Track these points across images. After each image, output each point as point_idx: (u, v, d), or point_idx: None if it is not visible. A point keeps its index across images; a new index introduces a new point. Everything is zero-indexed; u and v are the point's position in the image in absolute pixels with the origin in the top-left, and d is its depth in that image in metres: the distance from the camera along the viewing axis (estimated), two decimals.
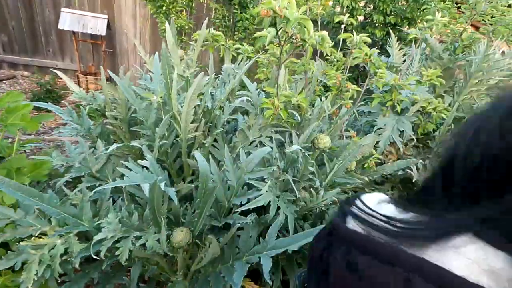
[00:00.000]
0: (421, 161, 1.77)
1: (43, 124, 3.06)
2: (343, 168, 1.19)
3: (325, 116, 1.48)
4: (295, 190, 1.02)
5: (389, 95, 1.68)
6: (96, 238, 0.91)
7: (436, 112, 1.66)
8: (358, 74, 3.87)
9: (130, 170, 1.03)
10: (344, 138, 1.77)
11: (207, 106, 1.27)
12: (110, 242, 0.92)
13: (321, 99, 1.44)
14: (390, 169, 1.39)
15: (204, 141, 1.23)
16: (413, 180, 1.50)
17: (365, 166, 1.35)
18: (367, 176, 1.40)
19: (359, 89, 1.47)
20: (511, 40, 2.54)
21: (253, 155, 1.07)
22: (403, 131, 1.69)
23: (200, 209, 0.99)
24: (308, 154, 1.27)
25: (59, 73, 1.57)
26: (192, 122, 1.19)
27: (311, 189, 1.15)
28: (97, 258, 0.92)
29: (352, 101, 1.58)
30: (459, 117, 1.95)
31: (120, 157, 1.41)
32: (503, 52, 2.23)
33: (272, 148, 1.23)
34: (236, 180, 1.09)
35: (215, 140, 1.40)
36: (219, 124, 1.25)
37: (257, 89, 1.67)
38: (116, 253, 0.91)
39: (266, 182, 1.03)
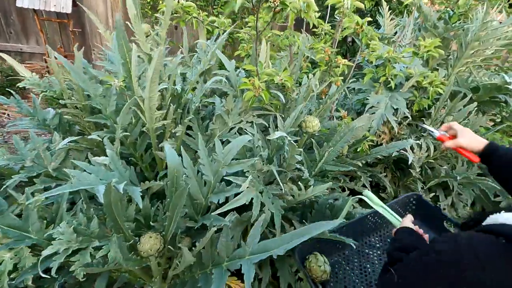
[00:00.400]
0: (417, 141, 1.66)
1: (8, 114, 2.80)
2: (335, 154, 1.06)
3: (313, 95, 1.33)
4: (281, 184, 0.89)
5: (382, 69, 1.53)
6: (45, 253, 0.77)
7: (433, 87, 1.53)
8: (347, 49, 3.69)
9: (88, 169, 0.87)
10: (335, 119, 1.64)
11: (177, 89, 1.09)
12: (63, 256, 0.78)
13: (308, 77, 1.28)
14: (386, 152, 1.27)
15: (175, 130, 1.06)
16: (409, 162, 1.40)
17: (358, 150, 1.22)
18: (360, 160, 1.28)
19: (350, 63, 1.32)
20: (507, 9, 2.40)
21: (231, 146, 0.92)
22: (397, 109, 1.56)
23: (171, 211, 0.85)
24: (295, 141, 1.13)
25: (3, 55, 1.35)
26: (159, 109, 1.02)
27: (299, 181, 1.02)
28: (48, 276, 0.77)
29: (342, 77, 1.43)
30: (455, 91, 1.83)
31: (82, 152, 1.24)
32: (500, 22, 2.09)
33: (253, 134, 1.09)
34: (213, 174, 0.95)
35: (190, 128, 1.24)
36: (192, 109, 1.08)
37: (237, 68, 1.50)
38: (71, 269, 0.77)
39: (247, 176, 0.89)
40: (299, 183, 0.97)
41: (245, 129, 1.14)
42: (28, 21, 3.87)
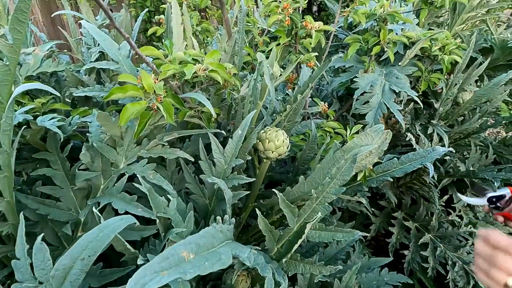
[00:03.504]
0: (422, 134, 1.18)
1: None
2: (323, 210, 0.54)
3: (271, 88, 0.78)
4: None
5: (372, 35, 1.01)
6: None
7: (447, 54, 1.03)
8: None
9: None
10: (311, 116, 1.12)
11: None
12: None
13: (255, 60, 0.73)
14: (400, 171, 0.77)
15: None
16: (430, 175, 0.91)
17: (358, 179, 0.71)
18: (359, 192, 0.77)
19: (328, 28, 0.77)
20: None
21: (69, 255, 0.37)
22: (399, 92, 1.06)
23: None
24: (246, 185, 0.60)
25: None
26: None
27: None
28: None
29: (316, 53, 0.89)
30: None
31: None
32: None
33: (169, 195, 0.53)
34: None
35: (50, 181, 0.66)
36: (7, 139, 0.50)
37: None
38: None
39: None
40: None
41: (146, 176, 0.57)
42: None
